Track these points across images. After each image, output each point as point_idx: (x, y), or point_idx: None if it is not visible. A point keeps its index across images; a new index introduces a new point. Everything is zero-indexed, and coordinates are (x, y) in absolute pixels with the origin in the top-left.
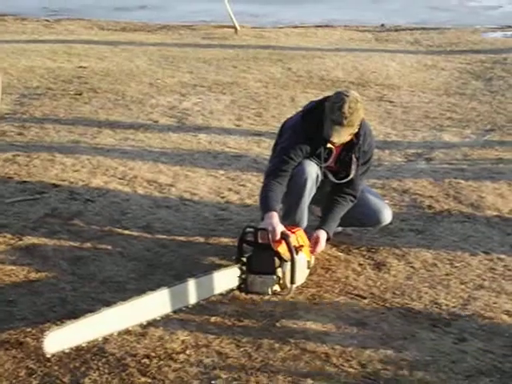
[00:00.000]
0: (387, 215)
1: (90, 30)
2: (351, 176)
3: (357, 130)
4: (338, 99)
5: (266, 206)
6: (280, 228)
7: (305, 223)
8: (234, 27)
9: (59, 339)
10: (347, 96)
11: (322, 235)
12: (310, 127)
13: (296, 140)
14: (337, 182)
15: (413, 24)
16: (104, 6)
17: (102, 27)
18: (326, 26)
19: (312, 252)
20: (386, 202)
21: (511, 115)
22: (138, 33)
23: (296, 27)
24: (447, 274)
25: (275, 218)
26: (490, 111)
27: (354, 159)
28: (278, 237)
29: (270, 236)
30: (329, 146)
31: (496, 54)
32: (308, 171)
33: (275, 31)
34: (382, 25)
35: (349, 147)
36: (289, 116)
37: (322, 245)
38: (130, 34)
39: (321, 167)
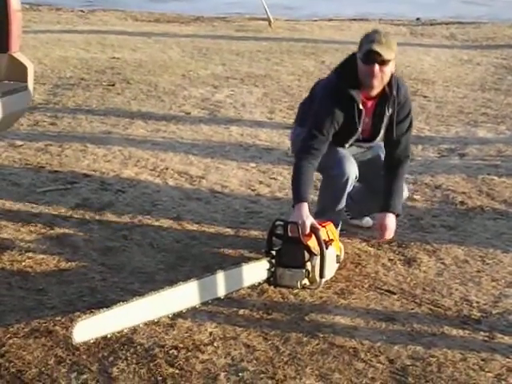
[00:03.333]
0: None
1: (123, 21)
2: (381, 132)
3: (388, 80)
4: (370, 32)
5: (297, 193)
6: (310, 221)
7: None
8: (267, 20)
9: (88, 328)
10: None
11: (389, 219)
12: (343, 81)
13: (328, 108)
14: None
15: (449, 18)
16: None
17: (136, 18)
18: (361, 19)
19: (381, 239)
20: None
21: None
22: (171, 24)
23: (330, 20)
24: (478, 271)
25: (305, 209)
26: None
27: (387, 113)
28: (308, 230)
29: (299, 229)
30: (360, 107)
31: None
32: (348, 172)
33: (309, 24)
34: (418, 19)
35: (383, 100)
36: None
37: (391, 228)
38: (163, 25)
39: (359, 140)
